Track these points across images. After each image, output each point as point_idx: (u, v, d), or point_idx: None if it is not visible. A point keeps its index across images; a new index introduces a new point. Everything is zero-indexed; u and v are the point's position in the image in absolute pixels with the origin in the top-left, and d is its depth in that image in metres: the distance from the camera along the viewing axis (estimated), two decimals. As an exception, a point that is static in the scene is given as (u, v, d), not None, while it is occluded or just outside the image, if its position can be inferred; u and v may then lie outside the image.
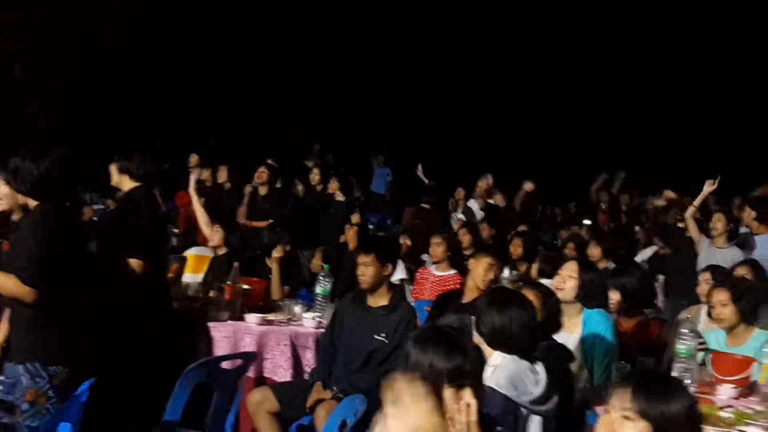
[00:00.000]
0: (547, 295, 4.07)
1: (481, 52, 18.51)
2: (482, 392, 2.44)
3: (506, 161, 14.19)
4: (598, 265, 6.81)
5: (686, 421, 2.20)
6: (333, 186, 8.91)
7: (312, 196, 9.37)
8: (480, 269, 5.26)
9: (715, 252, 6.81)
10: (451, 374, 2.34)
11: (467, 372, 2.36)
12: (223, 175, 9.36)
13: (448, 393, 2.26)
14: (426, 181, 10.32)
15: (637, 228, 10.31)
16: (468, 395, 2.27)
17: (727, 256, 6.62)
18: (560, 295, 4.34)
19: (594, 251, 7.14)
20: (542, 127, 18.32)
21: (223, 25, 17.82)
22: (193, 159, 9.95)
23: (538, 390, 3.31)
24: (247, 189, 8.91)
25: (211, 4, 17.56)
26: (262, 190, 8.64)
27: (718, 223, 6.95)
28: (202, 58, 17.48)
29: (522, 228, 8.81)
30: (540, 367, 3.42)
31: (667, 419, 2.17)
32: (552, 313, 4.01)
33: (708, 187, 7.15)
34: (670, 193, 8.81)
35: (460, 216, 9.44)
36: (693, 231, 7.04)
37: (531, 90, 18.25)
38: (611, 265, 6.80)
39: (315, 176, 9.39)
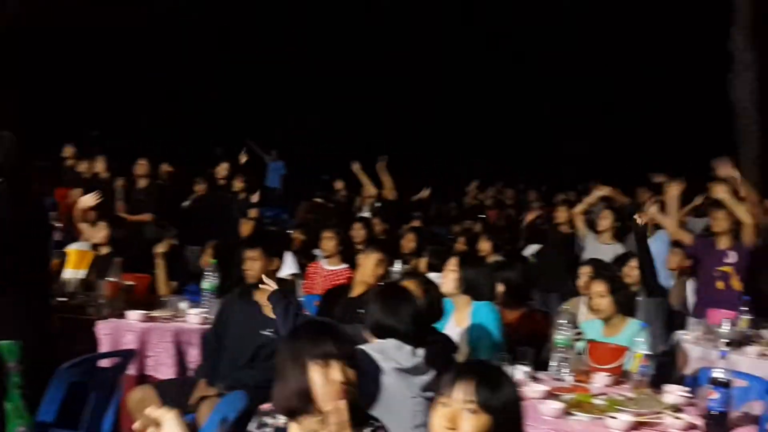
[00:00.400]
0: (427, 284, 4.15)
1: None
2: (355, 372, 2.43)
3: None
4: (488, 259, 6.97)
5: (519, 408, 2.23)
6: (237, 183, 8.79)
7: (215, 191, 9.21)
8: (369, 264, 5.30)
9: (598, 247, 7.05)
10: (318, 356, 2.35)
11: (335, 354, 2.36)
12: (100, 166, 9.14)
13: (314, 370, 2.31)
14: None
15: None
16: (336, 372, 2.31)
17: (609, 252, 6.85)
18: (443, 288, 4.43)
19: (484, 245, 7.28)
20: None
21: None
22: (68, 150, 9.66)
23: (407, 364, 3.35)
24: (119, 182, 8.75)
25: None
26: (141, 183, 8.49)
27: (604, 220, 7.19)
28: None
29: (415, 223, 8.90)
30: (420, 351, 3.48)
31: (505, 409, 2.18)
32: (432, 301, 4.08)
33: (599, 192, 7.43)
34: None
35: (366, 214, 9.45)
36: (579, 227, 7.28)
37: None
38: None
39: (221, 171, 9.21)
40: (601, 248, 7.02)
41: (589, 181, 11.58)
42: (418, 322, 3.50)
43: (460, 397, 2.18)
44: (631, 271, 6.15)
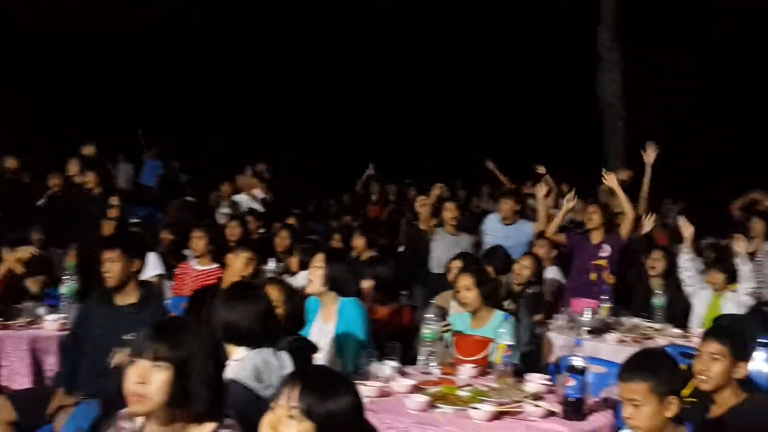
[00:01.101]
0: (290, 292, 4.08)
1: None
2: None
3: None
4: (363, 255, 6.98)
5: (350, 418, 2.20)
6: (89, 179, 8.35)
7: (70, 189, 8.78)
8: (238, 264, 5.23)
9: (446, 237, 7.28)
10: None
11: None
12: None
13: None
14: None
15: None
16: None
17: (462, 242, 7.15)
18: (309, 286, 4.39)
19: (358, 242, 7.28)
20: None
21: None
22: None
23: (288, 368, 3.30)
24: None
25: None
26: None
27: (447, 212, 7.40)
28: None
29: (290, 220, 8.83)
30: (285, 356, 3.42)
31: (331, 418, 2.15)
32: (294, 310, 4.02)
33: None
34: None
35: (225, 210, 9.28)
36: (424, 219, 7.44)
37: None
38: None
39: (72, 167, 8.77)
40: (450, 239, 7.26)
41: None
42: (265, 322, 3.42)
43: (284, 402, 2.17)
44: (522, 270, 6.32)
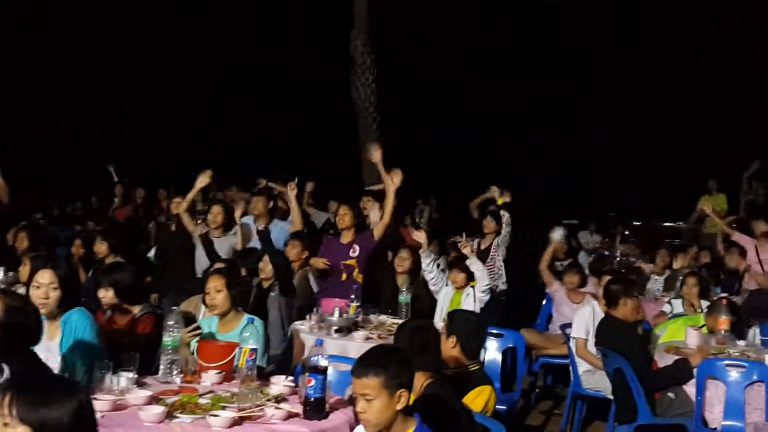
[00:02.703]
0: (23, 301, 3.71)
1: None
2: None
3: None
4: (106, 261, 6.61)
5: (71, 425, 2.14)
6: None
7: None
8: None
9: (213, 241, 7.11)
10: None
11: None
12: None
13: None
14: None
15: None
16: None
17: (223, 245, 6.99)
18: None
19: (100, 247, 6.89)
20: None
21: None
22: None
23: None
24: None
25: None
26: None
27: (209, 215, 7.28)
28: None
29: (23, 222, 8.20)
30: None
31: (46, 424, 2.11)
32: (9, 323, 3.64)
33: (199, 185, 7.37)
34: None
35: None
36: (185, 223, 7.23)
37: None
38: None
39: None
40: (215, 242, 7.10)
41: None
42: None
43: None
44: (266, 266, 6.24)
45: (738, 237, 9.13)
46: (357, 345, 5.34)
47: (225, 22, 18.68)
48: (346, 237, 6.83)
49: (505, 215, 8.29)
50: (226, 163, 13.21)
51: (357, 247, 6.74)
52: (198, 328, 4.61)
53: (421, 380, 3.59)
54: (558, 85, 20.31)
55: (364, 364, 3.02)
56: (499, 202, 8.68)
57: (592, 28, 19.84)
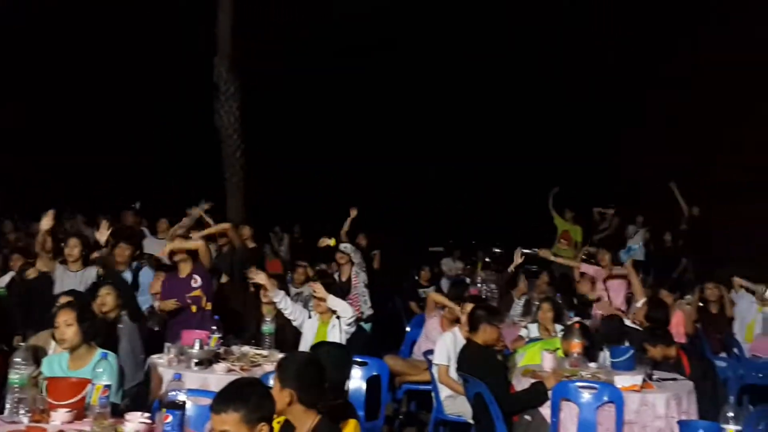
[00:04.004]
0: None
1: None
2: None
3: None
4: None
5: None
6: None
7: None
8: None
9: (67, 275, 6.82)
10: None
11: None
12: None
13: None
14: None
15: None
16: None
17: (79, 278, 6.71)
18: None
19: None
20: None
21: None
22: None
23: None
24: None
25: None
26: None
27: (66, 249, 6.95)
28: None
29: None
30: None
31: None
32: None
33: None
34: None
35: None
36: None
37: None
38: None
39: None
40: (70, 276, 6.82)
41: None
42: None
43: None
44: (104, 299, 6.00)
45: (586, 268, 9.55)
46: (218, 378, 5.20)
47: (82, 46, 18.04)
48: (184, 269, 6.67)
49: (347, 246, 8.48)
50: (79, 193, 12.78)
51: (197, 277, 6.60)
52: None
53: (310, 418, 3.35)
54: (418, 112, 20.78)
55: (223, 399, 2.94)
56: (332, 243, 8.79)
57: (452, 58, 20.55)
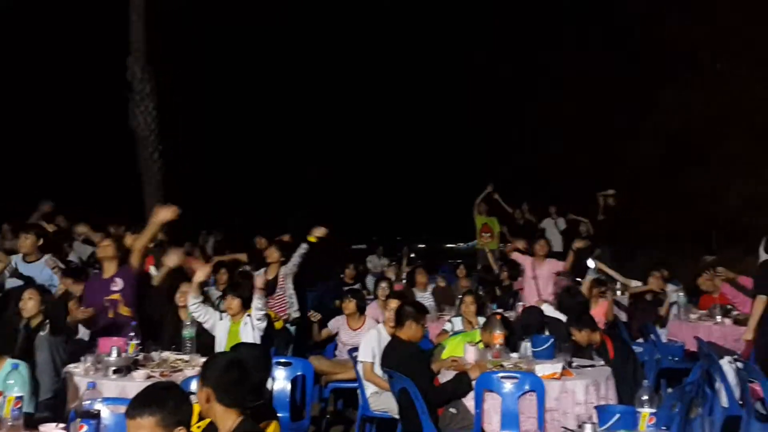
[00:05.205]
0: None
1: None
2: None
3: None
4: None
5: None
6: None
7: None
8: None
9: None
10: None
11: None
12: None
13: None
14: None
15: None
16: None
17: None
18: None
19: None
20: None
21: None
22: None
23: None
24: None
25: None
26: None
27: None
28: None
29: None
30: None
31: None
32: None
33: None
34: None
35: None
36: None
37: None
38: None
39: None
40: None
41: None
42: None
43: None
44: (26, 304, 5.81)
45: (516, 256, 9.71)
46: (138, 385, 5.05)
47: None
48: (108, 271, 6.41)
49: (303, 247, 8.40)
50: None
51: (119, 281, 6.35)
52: None
53: (231, 417, 3.31)
54: (343, 111, 20.79)
55: (138, 404, 2.88)
56: (311, 240, 8.64)
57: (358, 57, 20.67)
